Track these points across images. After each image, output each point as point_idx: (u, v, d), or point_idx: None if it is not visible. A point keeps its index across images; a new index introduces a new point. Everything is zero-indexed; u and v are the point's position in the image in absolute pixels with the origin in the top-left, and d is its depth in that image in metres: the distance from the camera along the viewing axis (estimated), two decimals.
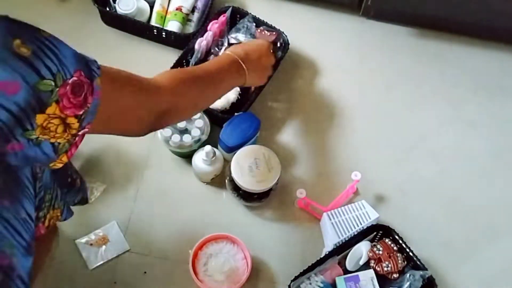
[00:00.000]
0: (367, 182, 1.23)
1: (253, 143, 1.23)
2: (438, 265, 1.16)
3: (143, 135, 0.86)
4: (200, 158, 1.18)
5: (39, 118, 0.64)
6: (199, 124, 1.20)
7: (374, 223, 1.14)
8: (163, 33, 1.36)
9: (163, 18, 1.40)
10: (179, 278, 1.14)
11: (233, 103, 1.27)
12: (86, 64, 0.69)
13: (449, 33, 1.46)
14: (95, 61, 0.72)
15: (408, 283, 1.07)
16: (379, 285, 1.09)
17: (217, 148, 1.21)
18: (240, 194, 1.18)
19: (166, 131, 1.19)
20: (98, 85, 0.70)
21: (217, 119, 1.24)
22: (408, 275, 1.08)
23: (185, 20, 1.40)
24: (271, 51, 1.19)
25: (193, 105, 0.96)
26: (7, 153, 0.65)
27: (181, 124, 1.20)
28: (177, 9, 1.39)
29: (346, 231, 1.13)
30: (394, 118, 1.35)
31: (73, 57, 0.66)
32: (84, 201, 1.09)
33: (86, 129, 0.71)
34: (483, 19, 1.37)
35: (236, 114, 1.23)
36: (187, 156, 1.23)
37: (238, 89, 1.28)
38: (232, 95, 1.27)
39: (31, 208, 0.82)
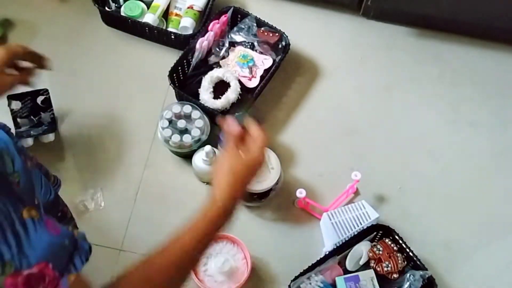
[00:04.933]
0: (367, 182, 1.22)
1: None
2: (438, 265, 1.16)
3: None
4: (200, 158, 1.18)
5: None
6: (199, 124, 1.20)
7: (374, 223, 1.14)
8: (170, 34, 1.36)
9: (172, 20, 1.41)
10: None
11: (233, 103, 1.27)
12: (67, 256, 0.61)
13: (449, 33, 1.46)
14: (87, 252, 0.65)
15: (408, 283, 1.07)
16: (379, 285, 1.09)
17: (217, 148, 1.21)
18: None
19: (166, 131, 1.19)
20: (67, 281, 0.60)
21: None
22: (408, 275, 1.08)
23: (197, 16, 1.40)
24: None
25: None
26: None
27: (181, 124, 1.20)
28: (188, 8, 1.39)
29: (346, 231, 1.13)
30: (394, 118, 1.35)
31: (46, 248, 0.58)
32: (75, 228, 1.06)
33: None
34: (483, 19, 1.37)
35: (236, 114, 1.23)
36: (187, 156, 1.23)
37: (238, 89, 1.28)
38: (232, 95, 1.26)
39: None
